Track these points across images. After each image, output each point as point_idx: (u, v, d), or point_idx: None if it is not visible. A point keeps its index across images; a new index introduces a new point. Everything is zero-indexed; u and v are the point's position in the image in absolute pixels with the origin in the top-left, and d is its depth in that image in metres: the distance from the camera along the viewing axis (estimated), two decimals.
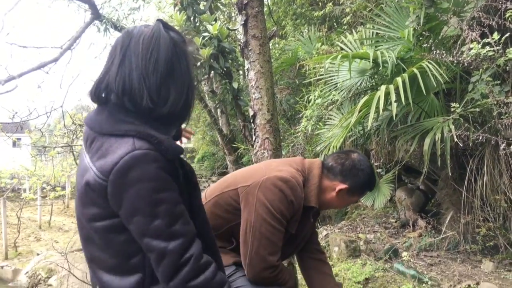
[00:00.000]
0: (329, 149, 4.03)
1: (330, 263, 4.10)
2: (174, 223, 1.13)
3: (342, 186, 1.78)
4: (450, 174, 3.42)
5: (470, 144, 3.06)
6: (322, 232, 4.96)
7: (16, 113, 5.00)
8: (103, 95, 1.18)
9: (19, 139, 7.96)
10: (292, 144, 5.61)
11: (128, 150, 1.10)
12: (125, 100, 1.15)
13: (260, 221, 1.66)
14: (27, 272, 10.23)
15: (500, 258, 3.48)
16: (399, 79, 2.99)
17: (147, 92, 1.13)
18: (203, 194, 1.91)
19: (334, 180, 1.81)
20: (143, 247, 1.14)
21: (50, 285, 9.47)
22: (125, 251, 1.18)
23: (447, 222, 3.93)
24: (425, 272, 3.39)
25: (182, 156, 1.25)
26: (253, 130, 3.11)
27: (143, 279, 1.20)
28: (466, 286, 3.02)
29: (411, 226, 4.49)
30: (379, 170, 4.97)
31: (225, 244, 1.82)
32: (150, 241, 1.12)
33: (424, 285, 3.12)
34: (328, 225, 5.59)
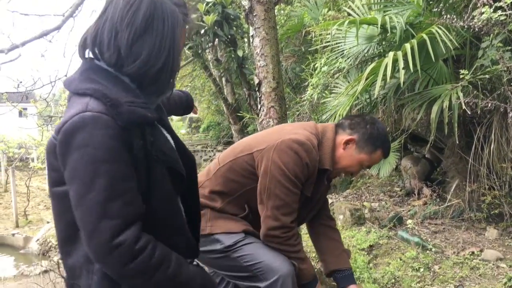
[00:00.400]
0: (335, 118, 4.00)
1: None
2: (112, 200, 0.99)
3: (349, 137, 1.79)
4: (457, 142, 3.39)
5: (478, 112, 3.01)
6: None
7: (21, 82, 4.97)
8: (82, 51, 1.11)
9: (25, 109, 7.97)
10: (297, 113, 5.58)
11: (79, 110, 1.00)
12: (96, 52, 1.07)
13: (274, 183, 1.68)
14: (37, 240, 10.48)
15: (504, 226, 3.50)
16: (407, 45, 2.92)
17: (115, 45, 1.04)
18: (216, 159, 1.93)
19: (343, 134, 1.82)
20: (76, 220, 1.02)
21: None
22: (74, 222, 1.04)
23: (452, 190, 3.93)
24: (429, 240, 3.42)
25: (155, 126, 1.11)
26: (258, 99, 3.08)
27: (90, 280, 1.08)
28: (470, 253, 3.05)
29: (416, 195, 4.50)
30: None
31: (237, 211, 1.83)
32: (81, 215, 1.00)
33: (428, 252, 3.15)
34: (333, 194, 5.63)
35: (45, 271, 5.62)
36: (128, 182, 1.02)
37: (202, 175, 1.90)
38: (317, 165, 1.74)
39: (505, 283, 2.51)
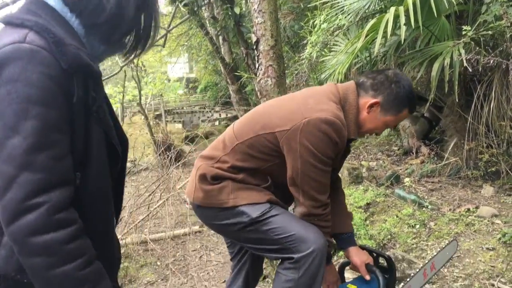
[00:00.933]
0: (333, 76, 3.94)
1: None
2: (39, 150, 0.82)
3: (373, 100, 1.67)
4: (456, 101, 3.37)
5: (480, 69, 2.97)
6: None
7: None
8: None
9: None
10: (296, 72, 5.51)
11: (15, 40, 0.83)
12: None
13: (307, 166, 1.62)
14: None
15: (500, 183, 3.54)
16: (409, 0, 2.83)
17: None
18: (230, 131, 1.83)
19: (366, 96, 1.70)
20: None
21: None
22: None
23: (450, 148, 3.95)
24: (426, 197, 3.46)
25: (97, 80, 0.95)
26: (256, 58, 3.03)
27: (8, 269, 0.89)
28: (466, 210, 3.10)
29: (414, 153, 4.53)
30: None
31: (260, 182, 1.77)
32: (1, 164, 0.81)
33: (424, 209, 3.20)
34: None
35: None
36: (60, 134, 0.85)
37: (216, 148, 1.83)
38: (346, 139, 1.66)
39: (499, 239, 2.56)
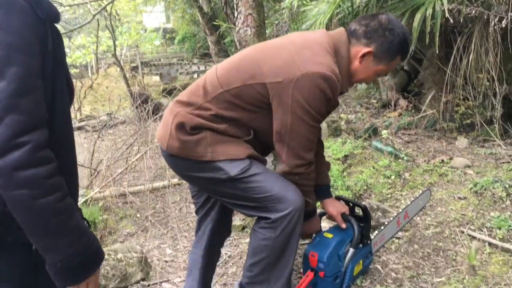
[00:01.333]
0: (315, 27, 3.86)
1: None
2: (23, 94, 0.91)
3: (366, 49, 1.59)
4: (436, 52, 3.37)
5: (461, 20, 2.95)
6: None
7: None
8: None
9: None
10: (276, 22, 5.37)
11: None
12: None
13: (298, 122, 1.54)
14: None
15: (474, 135, 3.62)
16: None
17: None
18: (213, 77, 1.69)
19: (358, 45, 1.61)
20: None
21: None
22: None
23: (427, 101, 3.99)
24: (402, 149, 3.52)
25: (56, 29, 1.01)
26: (235, 6, 2.92)
27: None
28: (440, 161, 3.17)
29: (392, 106, 4.56)
30: None
31: (242, 135, 1.68)
32: None
33: (400, 160, 3.26)
34: None
35: None
36: (39, 80, 0.94)
37: (195, 94, 1.70)
38: (338, 94, 1.60)
39: (471, 188, 2.65)
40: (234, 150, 1.65)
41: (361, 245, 1.85)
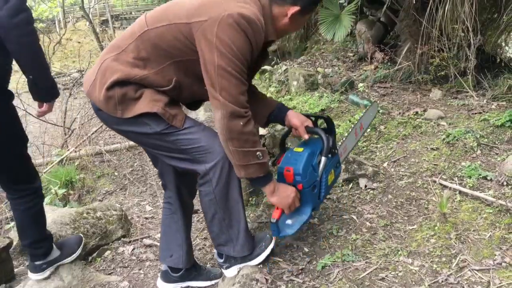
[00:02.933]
0: None
1: (289, 96, 4.21)
2: None
3: (294, 9, 1.66)
4: (413, 3, 3.33)
5: None
6: (282, 67, 4.97)
7: None
8: None
9: None
10: None
11: None
12: None
13: (224, 59, 1.54)
14: None
15: (448, 87, 3.67)
16: None
17: None
18: (142, 18, 1.71)
19: (284, 5, 1.67)
20: None
21: None
22: None
23: (403, 53, 3.99)
24: (378, 102, 3.55)
25: None
26: None
27: None
28: (414, 113, 3.22)
29: (369, 59, 4.55)
30: (342, 1, 4.78)
31: (161, 83, 1.67)
32: None
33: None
34: (287, 60, 5.59)
35: None
36: None
37: (123, 37, 1.71)
38: (262, 41, 1.64)
39: (443, 139, 2.72)
40: (157, 104, 1.66)
41: (330, 155, 1.91)
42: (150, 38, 1.64)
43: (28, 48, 1.69)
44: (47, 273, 2.21)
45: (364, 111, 2.60)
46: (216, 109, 1.62)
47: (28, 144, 2.09)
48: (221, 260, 1.93)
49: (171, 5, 1.70)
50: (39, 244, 2.15)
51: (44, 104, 1.97)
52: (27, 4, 1.63)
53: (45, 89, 1.88)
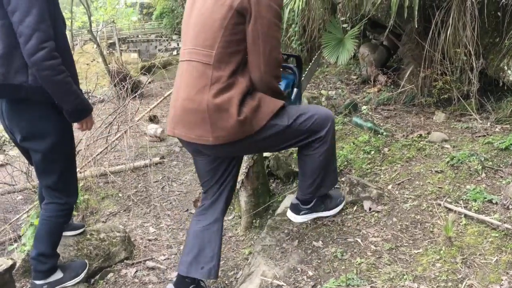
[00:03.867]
0: (295, 2, 3.82)
1: None
2: (42, 22, 1.91)
3: None
4: (415, 27, 3.37)
5: None
6: None
7: None
8: None
9: None
10: None
11: None
12: None
13: (268, 24, 1.79)
14: None
15: (452, 110, 3.68)
16: None
17: None
18: (191, 52, 1.91)
19: None
20: (18, 35, 1.90)
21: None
22: (10, 44, 1.96)
23: (406, 76, 4.02)
24: (381, 124, 3.57)
25: None
26: None
27: (26, 80, 1.99)
28: (418, 135, 3.22)
29: (372, 82, 4.59)
30: (345, 25, 4.85)
31: (249, 80, 1.90)
32: (23, 30, 1.88)
33: (379, 136, 3.31)
34: None
35: (1, 165, 5.54)
36: (47, 16, 1.94)
37: (198, 76, 1.88)
38: None
39: (448, 162, 2.71)
40: (272, 104, 1.95)
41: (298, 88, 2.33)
42: (222, 55, 1.84)
43: (48, 80, 1.96)
44: None
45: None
46: (257, 80, 1.93)
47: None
48: (307, 206, 2.34)
49: (197, 20, 1.94)
50: (45, 259, 2.22)
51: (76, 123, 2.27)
52: (47, 40, 1.92)
53: (68, 112, 2.12)
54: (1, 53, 1.97)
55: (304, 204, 2.35)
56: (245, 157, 3.01)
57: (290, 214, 2.39)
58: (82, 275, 2.37)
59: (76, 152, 2.52)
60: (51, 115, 2.11)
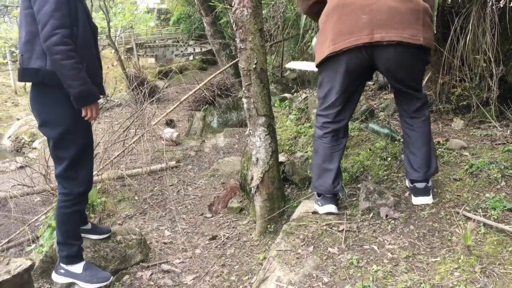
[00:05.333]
0: None
1: (308, 124, 4.23)
2: (57, 11, 2.06)
3: None
4: (434, 32, 3.33)
5: (459, 1, 2.92)
6: (302, 95, 5.01)
7: None
8: None
9: None
10: (272, 2, 5.30)
11: None
12: None
13: None
14: (9, 137, 10.35)
15: (470, 117, 3.63)
16: None
17: None
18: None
19: None
20: (37, 22, 2.08)
21: (34, 148, 9.71)
22: (32, 31, 2.13)
23: (424, 82, 3.98)
24: (398, 131, 3.53)
25: None
26: None
27: (44, 65, 2.13)
28: (436, 142, 3.18)
29: (389, 88, 4.55)
30: None
31: None
32: (40, 17, 2.07)
33: (396, 142, 3.28)
34: (307, 89, 5.64)
35: (21, 167, 5.64)
36: (65, 6, 2.12)
37: None
38: None
39: (466, 170, 2.67)
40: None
41: None
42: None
43: (56, 63, 2.09)
44: (62, 279, 2.39)
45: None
46: None
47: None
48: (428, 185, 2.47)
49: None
50: (61, 246, 2.37)
51: (82, 109, 2.27)
52: (61, 27, 2.07)
53: (73, 97, 2.18)
54: (24, 40, 2.15)
55: None
56: (260, 162, 3.01)
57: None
58: (94, 286, 2.38)
59: (93, 147, 2.57)
60: (64, 102, 2.21)
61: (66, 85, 2.14)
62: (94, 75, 2.32)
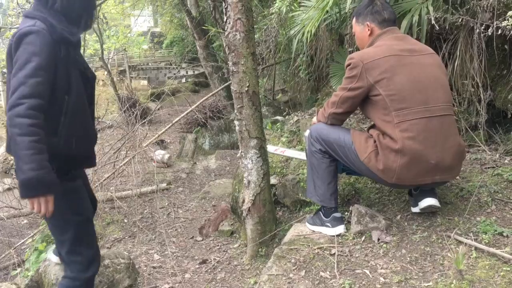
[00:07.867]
0: (303, 34, 3.89)
1: (300, 147, 4.24)
2: (31, 77, 1.72)
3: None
4: None
5: (446, 28, 2.99)
6: (293, 117, 5.05)
7: None
8: None
9: None
10: (265, 27, 5.39)
11: (30, 25, 1.81)
12: None
13: None
14: None
15: None
16: None
17: None
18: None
19: None
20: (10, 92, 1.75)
21: None
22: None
23: None
24: None
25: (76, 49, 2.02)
26: (224, 10, 2.92)
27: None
28: None
29: None
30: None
31: None
32: (13, 82, 1.73)
33: None
34: (299, 112, 5.68)
35: (8, 189, 5.56)
36: (45, 73, 1.77)
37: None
38: None
39: (457, 193, 2.68)
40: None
41: None
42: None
43: (12, 139, 1.69)
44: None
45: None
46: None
47: None
48: None
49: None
50: None
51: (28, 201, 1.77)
52: (29, 97, 1.69)
53: (19, 182, 1.71)
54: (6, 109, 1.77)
55: None
56: (252, 185, 3.00)
57: None
58: None
59: (93, 221, 2.26)
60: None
61: (15, 168, 1.70)
62: (83, 149, 2.04)
